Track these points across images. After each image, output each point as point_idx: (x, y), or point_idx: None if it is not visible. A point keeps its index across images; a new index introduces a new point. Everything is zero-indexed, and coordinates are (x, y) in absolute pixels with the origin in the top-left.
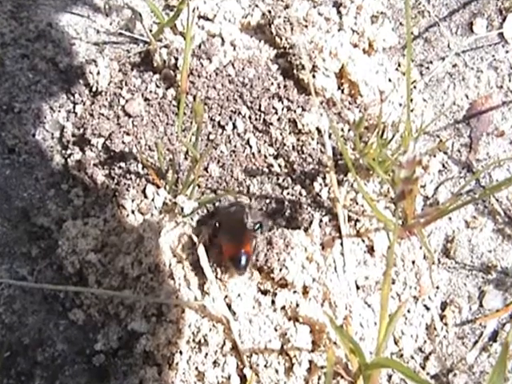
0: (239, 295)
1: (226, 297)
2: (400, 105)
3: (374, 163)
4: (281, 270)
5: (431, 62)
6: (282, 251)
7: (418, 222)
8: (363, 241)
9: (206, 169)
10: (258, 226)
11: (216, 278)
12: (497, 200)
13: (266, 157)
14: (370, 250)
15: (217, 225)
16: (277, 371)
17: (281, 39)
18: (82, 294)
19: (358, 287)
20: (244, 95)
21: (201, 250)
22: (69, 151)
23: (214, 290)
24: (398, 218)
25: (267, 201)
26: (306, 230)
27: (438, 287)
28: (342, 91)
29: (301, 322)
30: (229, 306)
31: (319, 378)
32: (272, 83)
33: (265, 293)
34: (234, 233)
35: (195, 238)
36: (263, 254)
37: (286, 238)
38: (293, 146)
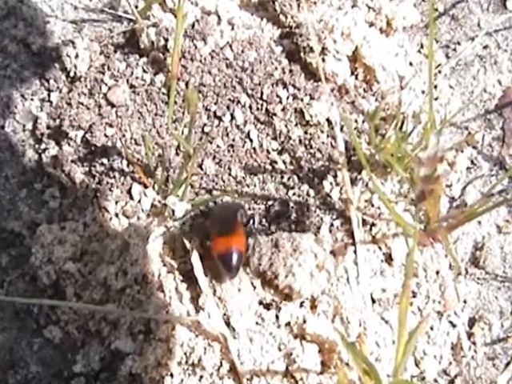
0: (238, 310)
1: (224, 312)
2: (422, 92)
3: (392, 159)
4: (286, 276)
5: (459, 43)
6: (289, 256)
7: (442, 226)
8: (380, 248)
9: (200, 166)
10: (249, 220)
11: (212, 290)
12: None
13: (268, 152)
14: (388, 258)
15: (206, 223)
16: None
17: (286, 17)
18: (59, 309)
19: (373, 301)
20: (244, 81)
21: (195, 258)
22: (43, 145)
23: (209, 304)
24: (418, 221)
25: (270, 202)
26: (314, 235)
27: (465, 301)
28: (356, 77)
29: (308, 340)
30: (226, 323)
31: None
32: (276, 68)
33: (268, 307)
34: (224, 228)
35: (188, 245)
36: (267, 257)
37: (295, 241)
38: (299, 140)
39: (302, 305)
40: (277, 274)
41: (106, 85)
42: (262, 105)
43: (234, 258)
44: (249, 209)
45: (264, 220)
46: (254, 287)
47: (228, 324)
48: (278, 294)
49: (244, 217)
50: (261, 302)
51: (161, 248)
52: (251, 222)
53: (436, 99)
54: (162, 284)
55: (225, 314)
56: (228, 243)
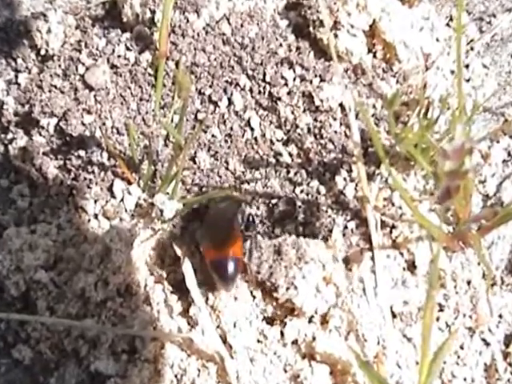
0: (237, 325)
1: (220, 327)
2: (451, 73)
3: (416, 151)
4: (288, 289)
5: (494, 16)
6: (293, 265)
7: (474, 228)
8: (401, 254)
9: (192, 159)
10: (248, 220)
11: (206, 302)
12: None
13: (272, 143)
14: (410, 265)
15: (198, 229)
16: None
17: None
18: (30, 325)
19: (394, 315)
20: (243, 61)
21: (186, 267)
22: (10, 135)
23: (203, 319)
24: (445, 223)
25: (274, 201)
26: (325, 239)
27: (500, 316)
28: (374, 55)
29: (318, 360)
30: (223, 340)
31: None
32: (280, 45)
33: (271, 322)
34: (217, 232)
35: (178, 251)
36: (268, 265)
37: (300, 248)
38: (308, 129)
39: (310, 320)
40: (277, 286)
41: (83, 65)
42: (264, 88)
43: (230, 265)
44: (249, 207)
45: (267, 221)
46: (254, 297)
47: (225, 341)
48: (279, 307)
49: (241, 218)
50: (263, 316)
51: (147, 254)
52: (250, 222)
53: (467, 81)
54: (148, 296)
55: (219, 327)
56: (222, 252)
